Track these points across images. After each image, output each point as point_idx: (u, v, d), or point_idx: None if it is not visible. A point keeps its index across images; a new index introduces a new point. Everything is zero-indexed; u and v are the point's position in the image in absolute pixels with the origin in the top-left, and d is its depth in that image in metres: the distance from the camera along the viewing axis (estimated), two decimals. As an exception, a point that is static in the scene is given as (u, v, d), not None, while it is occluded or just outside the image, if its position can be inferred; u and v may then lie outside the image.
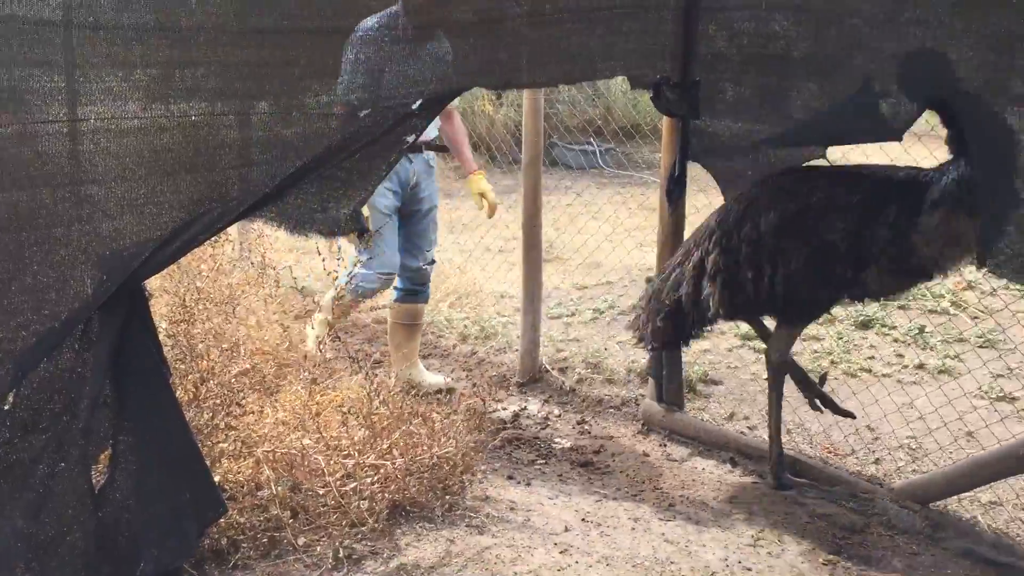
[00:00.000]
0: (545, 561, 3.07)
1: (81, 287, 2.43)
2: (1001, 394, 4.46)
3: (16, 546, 2.43)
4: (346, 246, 4.36)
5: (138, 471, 2.59)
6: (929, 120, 3.27)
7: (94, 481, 2.57)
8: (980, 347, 5.02)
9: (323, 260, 3.95)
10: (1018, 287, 5.03)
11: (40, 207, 2.38)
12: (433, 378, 4.67)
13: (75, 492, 2.49)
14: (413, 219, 4.50)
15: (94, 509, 2.52)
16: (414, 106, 2.87)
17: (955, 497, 3.46)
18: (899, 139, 3.22)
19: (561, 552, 3.13)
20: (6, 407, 2.45)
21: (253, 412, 3.55)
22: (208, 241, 3.08)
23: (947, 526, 3.29)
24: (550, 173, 4.60)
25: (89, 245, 2.44)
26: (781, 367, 3.58)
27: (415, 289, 4.60)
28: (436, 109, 3.08)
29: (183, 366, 3.59)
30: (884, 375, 4.74)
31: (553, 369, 4.88)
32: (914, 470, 3.80)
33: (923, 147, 4.10)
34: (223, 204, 2.57)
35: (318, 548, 3.05)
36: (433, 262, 4.70)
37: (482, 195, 4.55)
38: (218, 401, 3.50)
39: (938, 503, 3.43)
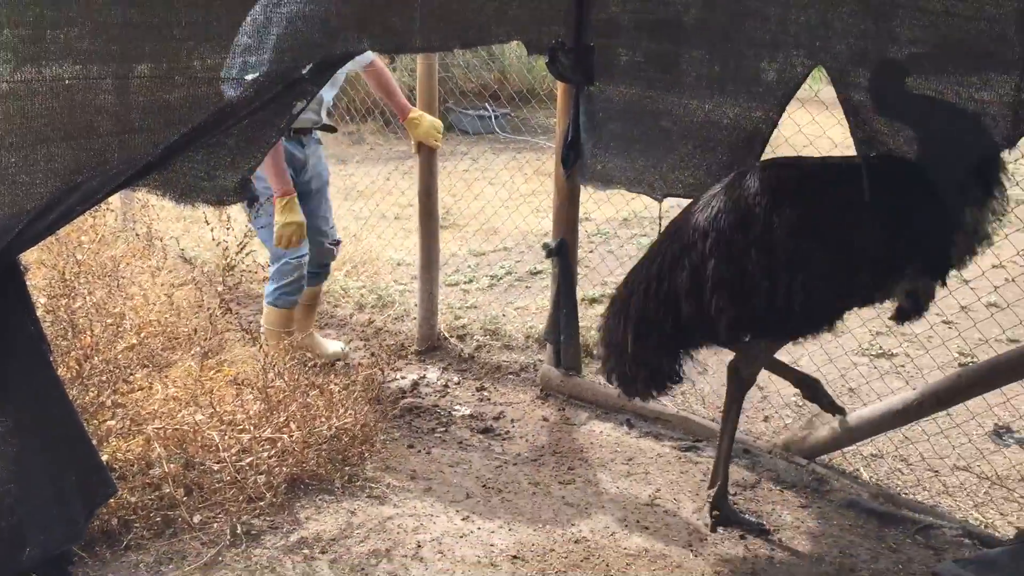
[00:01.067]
0: (448, 528, 3.08)
1: (-51, 262, 2.31)
2: (880, 351, 4.66)
3: None
4: (237, 215, 4.22)
5: (19, 454, 2.49)
6: (812, 86, 3.33)
7: (-29, 466, 2.45)
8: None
9: (212, 229, 3.83)
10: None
11: (-99, 177, 2.23)
12: (333, 345, 4.60)
13: (-50, 478, 2.38)
14: (303, 200, 4.27)
15: (-28, 495, 2.41)
16: (304, 71, 2.79)
17: (839, 451, 3.62)
18: (783, 104, 3.28)
19: (463, 519, 3.15)
20: None
21: (142, 388, 3.43)
22: (88, 212, 2.95)
23: (832, 479, 3.44)
24: (446, 138, 4.55)
25: (-43, 218, 2.30)
26: (750, 383, 3.22)
27: (315, 271, 4.48)
28: (327, 74, 3.00)
29: (64, 343, 3.45)
30: (772, 335, 4.89)
31: (451, 336, 4.87)
32: (800, 426, 3.94)
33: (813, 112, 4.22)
34: (103, 173, 2.46)
35: (215, 525, 2.99)
36: (338, 242, 4.57)
37: (423, 143, 4.50)
38: (104, 378, 3.38)
39: (823, 457, 3.58)
